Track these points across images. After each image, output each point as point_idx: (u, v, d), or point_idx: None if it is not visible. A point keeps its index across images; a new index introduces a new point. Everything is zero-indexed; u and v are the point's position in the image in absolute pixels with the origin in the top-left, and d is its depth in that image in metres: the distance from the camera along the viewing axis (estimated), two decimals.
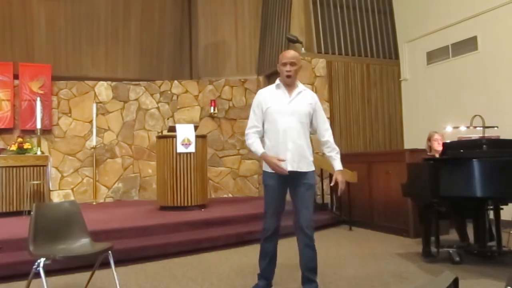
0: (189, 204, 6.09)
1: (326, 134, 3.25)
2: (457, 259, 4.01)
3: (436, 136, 4.79)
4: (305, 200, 3.13)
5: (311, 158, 3.19)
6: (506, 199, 4.12)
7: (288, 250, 3.72)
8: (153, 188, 7.71)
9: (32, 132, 7.37)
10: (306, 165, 3.14)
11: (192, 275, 3.88)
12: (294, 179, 3.11)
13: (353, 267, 4.05)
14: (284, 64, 3.14)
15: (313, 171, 3.21)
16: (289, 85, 3.19)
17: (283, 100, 3.15)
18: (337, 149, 3.27)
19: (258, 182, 8.44)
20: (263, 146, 3.19)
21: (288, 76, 3.14)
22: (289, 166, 3.06)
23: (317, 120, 3.24)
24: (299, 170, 3.10)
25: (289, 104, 3.13)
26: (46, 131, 7.64)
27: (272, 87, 3.27)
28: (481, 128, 4.28)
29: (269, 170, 3.15)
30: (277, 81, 3.23)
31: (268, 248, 3.24)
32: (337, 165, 3.23)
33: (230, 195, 8.38)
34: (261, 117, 3.20)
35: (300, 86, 3.23)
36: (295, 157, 3.08)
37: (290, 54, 3.20)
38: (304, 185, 3.13)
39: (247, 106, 8.53)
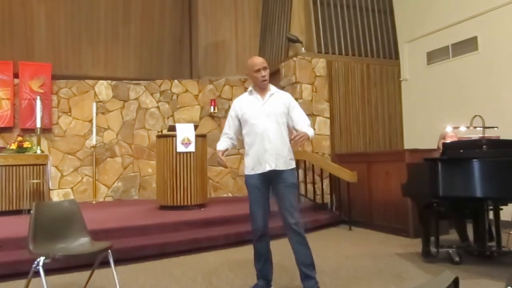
0: (189, 203, 6.09)
1: (303, 122, 3.25)
2: (457, 259, 4.01)
3: (451, 133, 4.79)
4: (288, 198, 3.19)
5: (290, 157, 3.26)
6: (505, 199, 4.12)
7: (286, 249, 3.71)
8: (153, 188, 7.71)
9: (32, 131, 7.38)
10: (284, 164, 3.21)
11: (192, 274, 3.88)
12: (273, 178, 3.20)
13: (353, 267, 4.05)
14: (258, 70, 3.24)
15: (292, 169, 3.26)
16: (262, 90, 3.30)
17: (257, 104, 3.26)
18: (310, 129, 3.23)
19: None
20: (245, 150, 3.33)
21: (264, 81, 3.25)
22: (267, 166, 3.16)
23: (293, 116, 3.28)
24: (277, 168, 3.17)
25: (263, 106, 3.25)
26: (46, 130, 7.64)
27: (245, 94, 3.40)
28: (481, 128, 4.28)
29: (249, 172, 3.27)
30: (250, 88, 3.37)
31: (261, 249, 3.26)
32: (307, 130, 3.16)
33: (230, 195, 8.38)
34: (234, 125, 3.35)
35: (272, 89, 3.35)
36: (273, 157, 3.17)
37: (260, 59, 3.32)
38: (283, 183, 3.19)
39: None
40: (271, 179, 3.19)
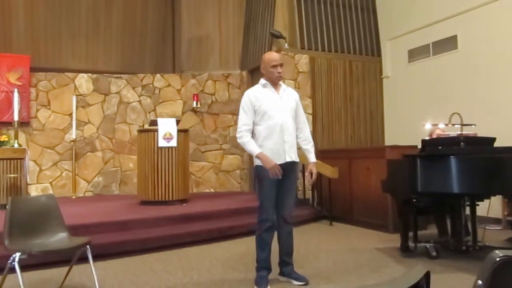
0: (170, 198, 6.05)
1: (305, 128, 3.58)
2: (434, 253, 4.09)
3: (438, 131, 4.86)
4: (292, 192, 3.45)
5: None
6: (481, 195, 4.23)
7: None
8: (134, 182, 7.63)
9: (9, 124, 7.20)
10: (297, 156, 3.46)
11: (172, 270, 3.86)
12: (288, 170, 3.35)
13: (333, 261, 4.10)
14: (275, 66, 3.37)
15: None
16: (276, 84, 3.44)
17: (273, 98, 3.38)
18: (313, 142, 3.58)
19: (240, 177, 8.44)
20: (257, 142, 3.38)
21: (280, 77, 3.40)
22: (287, 157, 3.32)
23: (299, 115, 3.53)
24: (296, 160, 3.40)
25: (280, 100, 3.39)
26: (24, 123, 7.47)
27: (258, 87, 3.46)
28: (459, 126, 4.36)
29: None
30: (263, 81, 3.45)
31: (268, 238, 3.35)
32: (312, 157, 3.52)
33: (212, 190, 8.36)
34: (251, 116, 3.37)
35: (283, 84, 3.51)
36: (293, 148, 3.38)
37: (278, 55, 3.47)
38: (292, 176, 3.43)
39: (230, 101, 8.51)
40: (285, 170, 3.30)
